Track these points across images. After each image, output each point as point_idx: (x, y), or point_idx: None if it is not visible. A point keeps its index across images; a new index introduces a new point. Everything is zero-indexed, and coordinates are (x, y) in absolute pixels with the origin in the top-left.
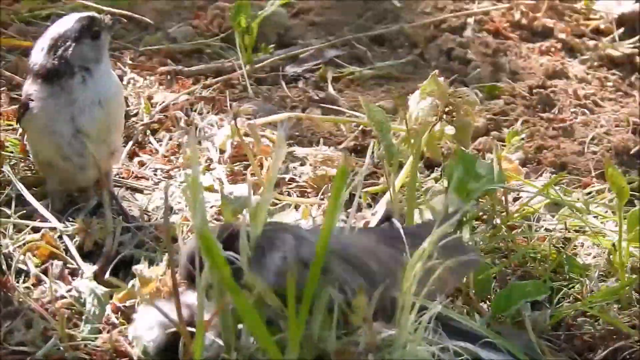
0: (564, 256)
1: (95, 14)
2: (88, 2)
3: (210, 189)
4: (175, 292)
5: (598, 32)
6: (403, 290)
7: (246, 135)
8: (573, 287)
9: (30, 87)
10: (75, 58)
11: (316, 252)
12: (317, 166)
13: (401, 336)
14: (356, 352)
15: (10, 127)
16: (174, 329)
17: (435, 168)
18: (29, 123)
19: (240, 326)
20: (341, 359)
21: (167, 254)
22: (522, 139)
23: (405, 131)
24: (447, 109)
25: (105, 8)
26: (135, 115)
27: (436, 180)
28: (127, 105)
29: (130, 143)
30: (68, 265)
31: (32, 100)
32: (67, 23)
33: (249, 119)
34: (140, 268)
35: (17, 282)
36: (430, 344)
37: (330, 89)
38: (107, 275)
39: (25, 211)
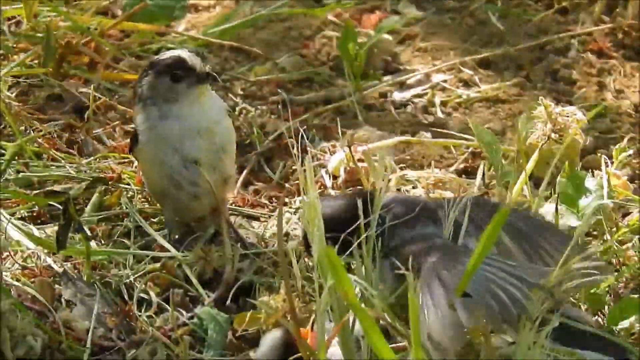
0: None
1: (188, 58)
2: (197, 34)
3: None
4: (294, 312)
5: None
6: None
7: (360, 160)
8: None
9: (136, 117)
10: (146, 92)
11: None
12: (429, 189)
13: (522, 352)
14: None
15: (126, 160)
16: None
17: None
18: (139, 153)
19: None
20: None
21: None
22: (630, 155)
23: (515, 152)
24: (555, 128)
25: (214, 40)
26: (249, 144)
27: (546, 198)
28: (240, 135)
29: (245, 172)
30: (188, 293)
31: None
32: (163, 56)
33: (360, 145)
34: (265, 299)
35: (140, 311)
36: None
37: (439, 113)
38: (227, 302)
39: (144, 242)
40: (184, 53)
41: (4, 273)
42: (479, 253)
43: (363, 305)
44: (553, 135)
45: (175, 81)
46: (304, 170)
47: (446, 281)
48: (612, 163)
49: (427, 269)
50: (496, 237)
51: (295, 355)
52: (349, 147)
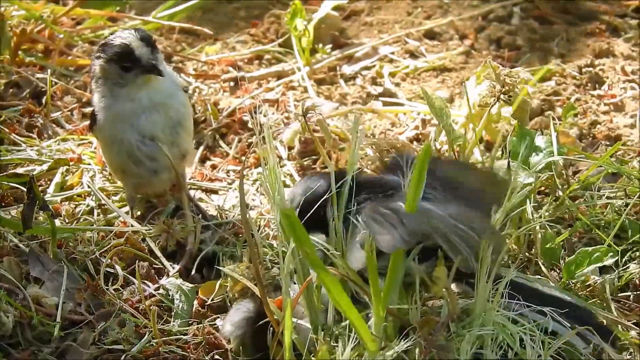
0: (627, 222)
1: (136, 49)
2: (148, 18)
3: (282, 184)
4: (259, 279)
5: (639, 11)
6: (478, 260)
7: (314, 130)
8: (638, 250)
9: (93, 96)
10: (98, 73)
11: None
12: (382, 155)
13: (479, 305)
14: (439, 322)
15: (86, 141)
16: (264, 321)
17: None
18: (98, 132)
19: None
20: (425, 330)
21: (247, 248)
22: (576, 115)
23: (464, 116)
24: (503, 90)
25: (165, 23)
26: (204, 121)
27: (497, 158)
28: (195, 113)
29: (201, 148)
30: (153, 265)
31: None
32: (114, 39)
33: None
34: (230, 268)
35: (107, 285)
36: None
37: (388, 84)
38: (192, 273)
39: (107, 218)
40: (133, 41)
41: None
42: (414, 183)
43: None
44: (502, 97)
45: (124, 71)
46: (263, 140)
47: (385, 211)
48: (560, 123)
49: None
50: (425, 170)
51: (263, 321)
52: (304, 116)
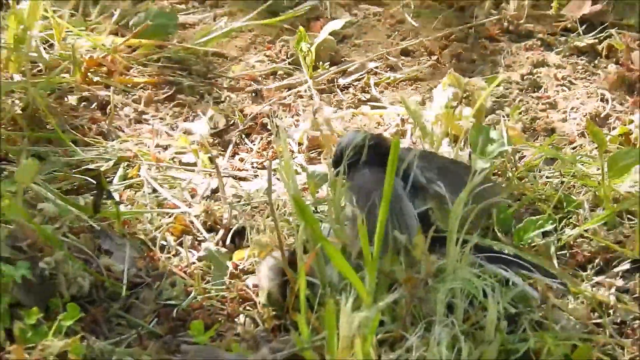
0: (562, 195)
1: None
2: (187, 45)
3: (295, 172)
4: (281, 246)
5: (566, 30)
6: (449, 229)
7: (319, 129)
8: (571, 217)
9: None
10: None
11: (381, 210)
12: None
13: (450, 264)
14: (419, 278)
15: (140, 142)
16: (285, 277)
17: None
18: None
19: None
20: (408, 285)
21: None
22: (520, 113)
23: (434, 116)
24: (464, 95)
25: (200, 48)
26: (233, 124)
27: (460, 149)
28: (227, 118)
29: (231, 146)
30: (197, 238)
31: None
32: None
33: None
34: (257, 238)
35: (161, 254)
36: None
37: (374, 92)
38: (227, 242)
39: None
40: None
41: (54, 233)
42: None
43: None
44: (463, 100)
45: None
46: (279, 137)
47: None
48: (508, 119)
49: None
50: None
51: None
52: (314, 114)
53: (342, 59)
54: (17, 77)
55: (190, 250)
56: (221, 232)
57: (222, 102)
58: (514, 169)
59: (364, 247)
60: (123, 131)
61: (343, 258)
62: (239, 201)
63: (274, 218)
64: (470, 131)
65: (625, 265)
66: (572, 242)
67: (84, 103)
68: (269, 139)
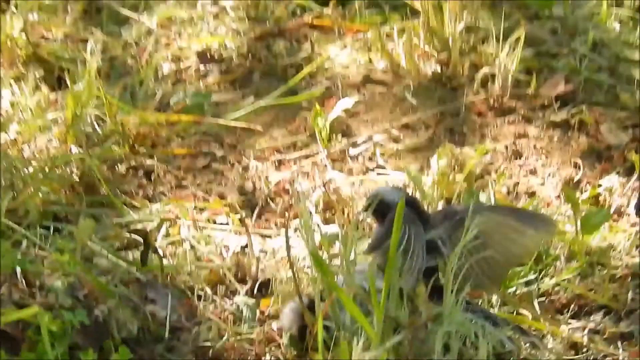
0: (542, 249)
1: None
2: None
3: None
4: (300, 295)
5: (543, 107)
6: (445, 279)
7: (332, 194)
8: (550, 268)
9: None
10: None
11: (389, 262)
12: None
13: (446, 310)
14: (420, 322)
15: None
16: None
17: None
18: None
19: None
20: (411, 328)
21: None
22: (504, 178)
23: (431, 181)
24: (456, 163)
25: (231, 124)
26: (259, 189)
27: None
28: (253, 183)
29: (258, 208)
30: (229, 287)
31: None
32: None
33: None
34: (281, 288)
35: (198, 302)
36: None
37: (380, 160)
38: (254, 292)
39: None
40: None
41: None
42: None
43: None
44: (456, 168)
45: None
46: (298, 200)
47: None
48: (495, 184)
49: None
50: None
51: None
52: (324, 185)
53: (352, 133)
54: (75, 149)
55: (223, 298)
56: (250, 282)
57: (250, 170)
58: None
59: (373, 296)
60: (166, 195)
61: (354, 304)
62: (265, 256)
63: (293, 271)
64: (463, 194)
65: (597, 310)
66: (550, 290)
67: (132, 171)
68: (290, 202)
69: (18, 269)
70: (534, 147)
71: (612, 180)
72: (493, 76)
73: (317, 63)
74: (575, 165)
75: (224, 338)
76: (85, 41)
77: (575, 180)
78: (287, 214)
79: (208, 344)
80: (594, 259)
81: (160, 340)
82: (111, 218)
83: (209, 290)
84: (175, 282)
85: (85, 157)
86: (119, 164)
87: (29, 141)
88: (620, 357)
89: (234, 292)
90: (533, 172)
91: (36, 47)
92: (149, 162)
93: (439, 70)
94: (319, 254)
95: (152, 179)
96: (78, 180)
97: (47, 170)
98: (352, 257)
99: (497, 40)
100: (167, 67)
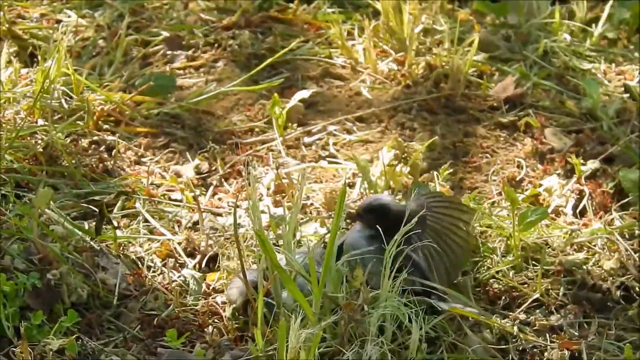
0: (479, 242)
1: None
2: (182, 104)
3: (262, 212)
4: (244, 272)
5: (492, 108)
6: (384, 265)
7: (283, 178)
8: (486, 261)
9: None
10: None
11: (328, 246)
12: (326, 196)
13: (383, 294)
14: (357, 304)
15: (139, 180)
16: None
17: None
18: None
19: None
20: (348, 309)
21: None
22: (450, 174)
23: (380, 172)
24: (403, 156)
25: (192, 106)
26: (215, 170)
27: (400, 200)
28: (209, 164)
29: (211, 187)
30: (178, 261)
31: None
32: None
33: (284, 168)
34: (227, 263)
35: (148, 272)
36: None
37: (332, 149)
38: (202, 266)
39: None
40: None
41: (61, 251)
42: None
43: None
44: (402, 160)
45: None
46: (249, 184)
47: None
48: (440, 178)
49: None
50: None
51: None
52: (277, 170)
53: (308, 122)
54: (41, 122)
55: (172, 270)
56: (198, 257)
57: (207, 151)
58: None
59: (312, 278)
60: (125, 170)
61: (295, 284)
62: (215, 233)
63: (239, 249)
64: (410, 185)
65: (528, 303)
66: (485, 281)
67: (94, 146)
68: (242, 184)
69: None
70: (481, 145)
71: (553, 181)
72: (446, 76)
73: (279, 55)
74: (519, 165)
75: (170, 308)
76: (60, 22)
77: (518, 179)
78: (238, 195)
79: (154, 312)
80: (529, 254)
81: (108, 307)
82: (70, 189)
83: (158, 262)
84: (127, 252)
85: (50, 129)
86: (82, 139)
87: None
88: (549, 348)
89: (183, 265)
90: (478, 169)
91: (12, 24)
92: (111, 138)
93: (395, 68)
94: (263, 234)
95: (113, 154)
96: (42, 151)
97: (12, 139)
98: (296, 238)
99: (452, 43)
100: (135, 51)
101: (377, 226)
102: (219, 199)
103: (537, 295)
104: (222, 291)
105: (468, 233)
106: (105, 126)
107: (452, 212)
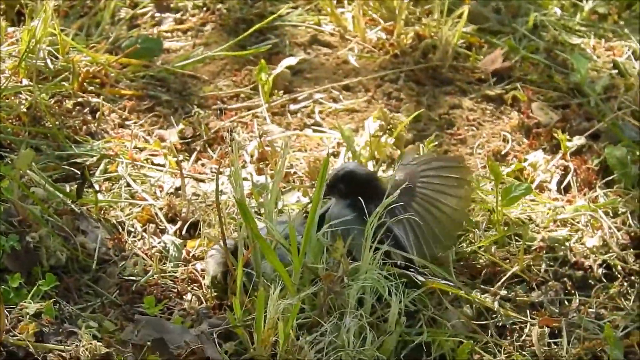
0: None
1: None
2: (168, 67)
3: (244, 179)
4: (224, 240)
5: (480, 80)
6: (365, 237)
7: (267, 145)
8: (469, 235)
9: None
10: None
11: (309, 216)
12: (310, 164)
13: (363, 266)
14: (336, 275)
15: (122, 144)
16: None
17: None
18: None
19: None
20: (327, 281)
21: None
22: (435, 145)
23: (364, 142)
24: (389, 127)
25: (179, 70)
26: (199, 135)
27: (384, 171)
28: (194, 129)
29: (195, 153)
30: (159, 227)
31: None
32: None
33: (268, 136)
34: (208, 231)
35: (128, 237)
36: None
37: (317, 118)
38: (183, 232)
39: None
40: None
41: (41, 213)
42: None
43: None
44: (387, 131)
45: None
46: (232, 151)
47: None
48: (424, 149)
49: None
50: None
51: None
52: (260, 137)
53: (294, 89)
54: (25, 82)
55: (152, 236)
56: (179, 223)
57: (192, 116)
58: None
59: (293, 248)
60: (108, 133)
61: (274, 254)
62: (197, 199)
63: (220, 216)
64: (398, 156)
65: (509, 279)
66: (467, 256)
67: (78, 107)
68: (226, 150)
69: None
70: (467, 118)
71: (538, 156)
72: (434, 47)
73: (267, 20)
74: (504, 139)
75: (149, 274)
76: None
77: (503, 153)
78: (221, 161)
79: (133, 278)
80: (511, 230)
81: (87, 271)
82: (53, 150)
83: (139, 227)
84: (107, 216)
85: (34, 89)
86: (66, 100)
87: None
88: (529, 325)
89: (163, 231)
90: (463, 141)
91: None
92: (95, 100)
93: (384, 37)
94: (244, 202)
95: (97, 116)
96: (25, 111)
97: None
98: (278, 207)
99: (442, 14)
100: (123, 12)
101: (353, 195)
102: (202, 165)
103: (515, 269)
104: (202, 258)
105: (470, 190)
106: (90, 88)
107: (450, 172)
